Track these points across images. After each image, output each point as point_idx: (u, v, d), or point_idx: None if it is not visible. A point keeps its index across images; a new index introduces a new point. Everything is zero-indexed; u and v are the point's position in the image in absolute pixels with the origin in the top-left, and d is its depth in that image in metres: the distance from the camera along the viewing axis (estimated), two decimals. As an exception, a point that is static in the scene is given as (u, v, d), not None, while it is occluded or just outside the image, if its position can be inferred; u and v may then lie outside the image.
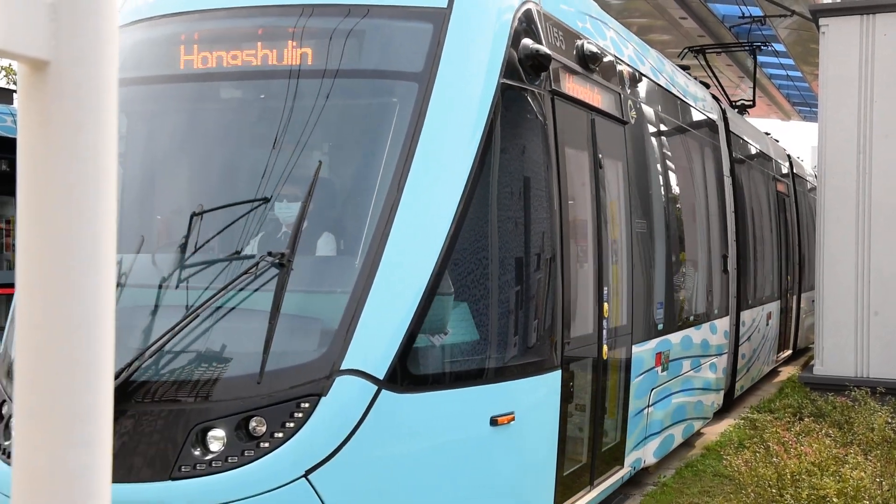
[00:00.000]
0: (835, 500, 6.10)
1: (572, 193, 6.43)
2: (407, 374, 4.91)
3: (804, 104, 26.89)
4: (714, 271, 10.50)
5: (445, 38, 5.30)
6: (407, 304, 4.88)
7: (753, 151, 14.06)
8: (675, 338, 8.71)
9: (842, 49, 11.27)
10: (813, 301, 18.75)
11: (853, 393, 9.84)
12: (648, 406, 7.93)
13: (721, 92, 15.96)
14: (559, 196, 5.91)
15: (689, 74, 11.62)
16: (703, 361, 9.87)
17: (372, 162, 5.35)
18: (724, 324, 10.87)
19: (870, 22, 11.19)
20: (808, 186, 20.35)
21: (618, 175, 7.44)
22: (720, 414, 11.50)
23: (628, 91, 7.82)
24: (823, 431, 7.72)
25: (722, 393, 11.17)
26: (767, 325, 14.09)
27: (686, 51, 16.00)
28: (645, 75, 8.53)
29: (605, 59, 7.20)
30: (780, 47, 18.90)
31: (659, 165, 8.68)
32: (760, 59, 20.84)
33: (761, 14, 16.10)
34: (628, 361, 7.38)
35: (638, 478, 8.56)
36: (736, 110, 15.34)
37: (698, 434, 10.79)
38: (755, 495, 6.39)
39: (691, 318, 9.48)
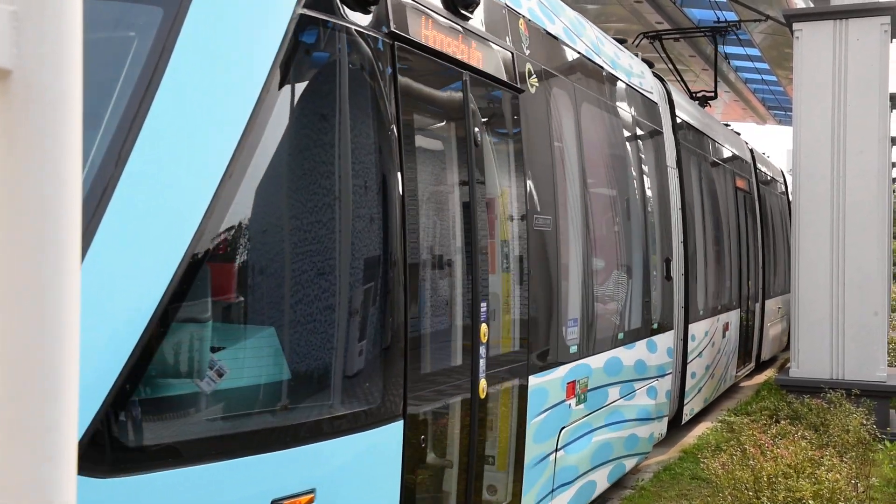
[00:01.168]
0: (811, 502, 6.05)
1: (428, 177, 4.74)
2: (119, 446, 3.05)
3: (779, 108, 26.97)
4: (654, 278, 8.77)
5: None
6: (123, 335, 3.06)
7: (707, 141, 12.24)
8: (596, 361, 6.95)
9: (815, 53, 10.87)
10: (779, 308, 17.07)
11: (829, 395, 9.81)
12: (557, 450, 6.19)
13: (681, 82, 14.45)
14: (401, 179, 4.15)
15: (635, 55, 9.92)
16: (637, 387, 8.14)
17: (85, 124, 2.94)
18: (666, 339, 9.12)
19: (843, 27, 11.11)
20: (775, 184, 18.34)
21: (508, 157, 5.64)
22: (659, 446, 9.78)
23: (527, 52, 6.00)
24: (799, 434, 7.68)
25: (665, 420, 9.39)
26: (724, 337, 12.28)
27: (641, 37, 14.45)
28: (555, 36, 6.73)
29: (490, 6, 5.46)
30: (753, 52, 19.03)
31: (574, 149, 6.82)
32: (735, 63, 20.95)
33: (737, 19, 16.23)
34: (523, 396, 5.57)
35: (617, 480, 8.59)
36: (697, 102, 13.67)
37: (676, 437, 10.84)
38: (732, 498, 6.35)
39: (621, 335, 7.73)
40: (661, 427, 9.28)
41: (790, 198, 19.43)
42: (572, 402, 6.46)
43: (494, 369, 5.15)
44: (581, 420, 6.69)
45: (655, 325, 8.78)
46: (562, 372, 6.26)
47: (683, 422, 10.53)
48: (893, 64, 11.46)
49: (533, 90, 6.04)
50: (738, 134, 15.97)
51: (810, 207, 10.97)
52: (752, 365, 15.08)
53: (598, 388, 7.05)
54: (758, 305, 15.21)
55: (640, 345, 8.27)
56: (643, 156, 8.83)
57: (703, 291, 11.06)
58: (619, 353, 7.63)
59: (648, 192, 8.89)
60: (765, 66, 20.23)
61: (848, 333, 10.63)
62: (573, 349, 6.49)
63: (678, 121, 10.47)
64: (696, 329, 10.63)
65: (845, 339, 10.64)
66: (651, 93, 9.50)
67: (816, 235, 10.86)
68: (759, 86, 23.58)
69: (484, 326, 4.94)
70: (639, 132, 8.85)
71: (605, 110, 7.90)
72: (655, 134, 9.40)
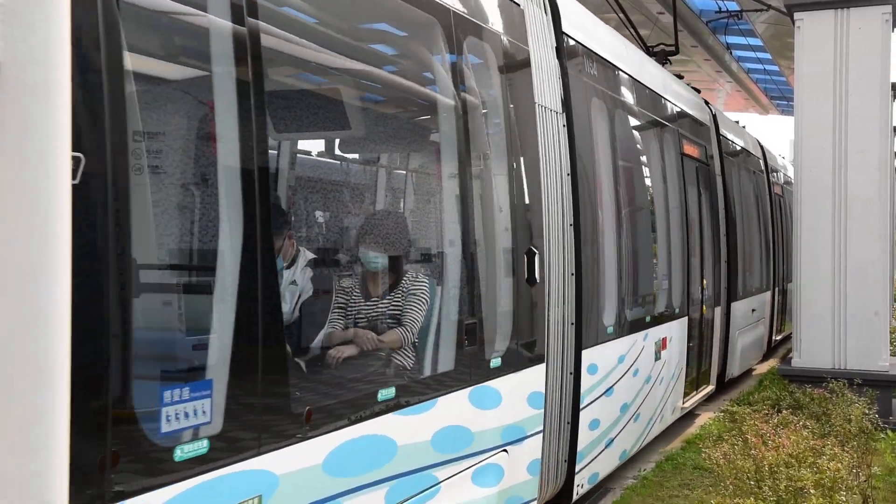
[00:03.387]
0: (812, 491, 6.03)
1: None
2: None
3: (782, 98, 26.88)
4: (493, 283, 5.36)
5: None
6: None
7: (630, 84, 8.56)
8: (297, 457, 3.56)
9: (817, 43, 10.79)
10: (754, 310, 14.36)
11: (831, 384, 9.78)
12: None
13: (636, 37, 11.74)
14: None
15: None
16: (444, 476, 4.73)
17: None
18: (528, 380, 5.73)
19: (844, 16, 11.01)
20: (749, 159, 15.19)
21: None
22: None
23: None
24: (801, 423, 7.67)
25: None
26: (659, 358, 8.81)
27: None
28: None
29: None
30: (756, 41, 18.98)
31: (254, 42, 3.41)
32: (737, 53, 20.88)
33: (738, 9, 16.16)
34: None
35: (617, 471, 8.36)
36: (654, 58, 10.98)
37: (679, 427, 10.89)
38: (734, 487, 6.32)
39: (387, 393, 4.23)
40: None
41: (770, 177, 16.82)
42: None
43: None
44: None
45: (497, 362, 5.30)
46: None
47: (577, 496, 6.92)
48: (895, 54, 11.43)
49: None
50: (698, 92, 12.69)
51: (812, 197, 10.96)
52: (712, 387, 11.57)
53: None
54: (719, 310, 11.79)
55: (452, 401, 4.83)
56: (475, 83, 5.39)
57: (613, 299, 7.57)
58: (383, 425, 4.16)
59: (486, 144, 5.49)
60: (767, 55, 20.18)
61: (850, 323, 10.63)
62: (198, 450, 3.04)
63: (569, 41, 6.90)
64: (600, 355, 7.10)
65: (847, 328, 10.64)
66: None
67: (818, 225, 10.86)
68: (762, 76, 23.54)
69: None
70: (462, 42, 5.22)
71: None
72: (510, 52, 5.89)
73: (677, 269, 9.70)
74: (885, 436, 9.57)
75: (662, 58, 11.89)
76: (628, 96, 8.67)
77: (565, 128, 6.59)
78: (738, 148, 14.27)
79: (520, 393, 5.70)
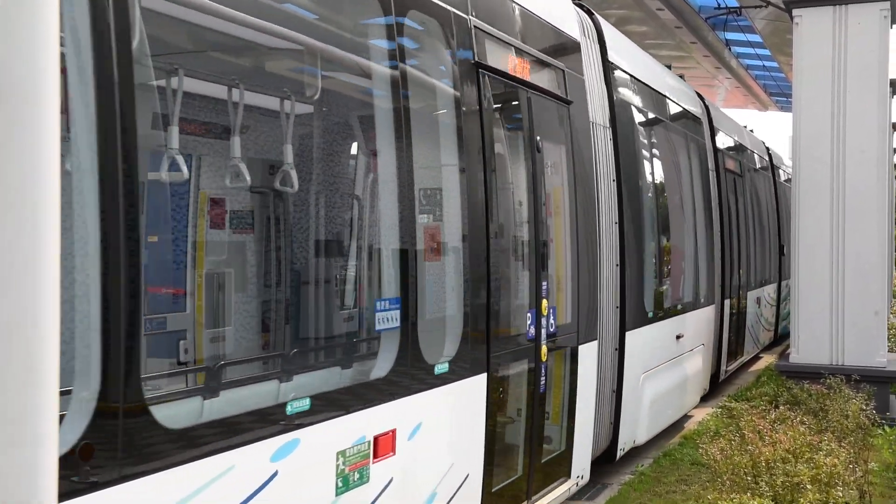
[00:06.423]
0: (808, 486, 6.07)
1: None
2: None
3: (781, 94, 26.90)
4: None
5: None
6: None
7: None
8: None
9: (815, 39, 10.81)
10: (680, 337, 9.91)
11: (828, 380, 9.76)
12: None
13: None
14: None
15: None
16: None
17: None
18: None
19: (842, 12, 11.01)
20: (666, 109, 10.17)
21: None
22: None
23: None
24: (798, 419, 7.73)
25: None
26: (359, 480, 3.92)
27: None
28: None
29: None
30: (755, 38, 18.97)
31: None
32: (736, 49, 20.91)
33: (737, 5, 16.17)
34: None
35: (615, 467, 8.41)
36: None
37: (676, 424, 10.84)
38: (731, 483, 6.38)
39: None
40: None
41: (717, 144, 12.46)
42: None
43: None
44: None
45: None
46: None
47: None
48: (893, 50, 11.43)
49: None
50: (588, 11, 8.04)
51: (810, 194, 10.96)
52: (573, 483, 6.75)
53: None
54: (594, 346, 7.12)
55: None
56: None
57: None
58: None
59: None
60: (766, 52, 20.19)
61: (848, 319, 10.63)
62: None
63: None
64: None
65: (845, 324, 10.65)
66: None
67: (816, 222, 10.86)
68: (761, 72, 23.55)
69: None
70: None
71: None
72: None
73: (452, 285, 5.05)
74: (882, 431, 9.58)
75: None
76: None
77: None
78: (647, 90, 9.18)
79: None
